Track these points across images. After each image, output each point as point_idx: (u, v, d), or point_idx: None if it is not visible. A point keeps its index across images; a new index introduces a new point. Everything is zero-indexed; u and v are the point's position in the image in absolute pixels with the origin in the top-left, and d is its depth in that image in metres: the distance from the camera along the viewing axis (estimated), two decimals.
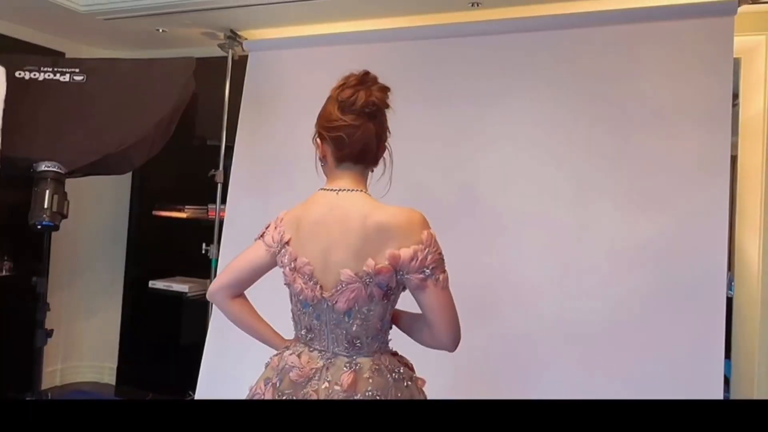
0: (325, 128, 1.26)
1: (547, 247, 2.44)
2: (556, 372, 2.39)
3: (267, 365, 1.32)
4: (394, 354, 1.30)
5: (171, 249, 3.60)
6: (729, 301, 2.66)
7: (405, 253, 1.16)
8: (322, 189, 1.30)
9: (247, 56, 3.12)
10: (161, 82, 2.31)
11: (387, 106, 1.27)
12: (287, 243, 1.29)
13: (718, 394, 2.18)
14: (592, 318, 2.35)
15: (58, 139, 2.15)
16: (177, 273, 3.55)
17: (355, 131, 1.23)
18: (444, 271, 1.21)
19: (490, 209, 2.55)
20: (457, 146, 2.64)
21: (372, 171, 1.34)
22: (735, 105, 2.41)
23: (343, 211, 1.23)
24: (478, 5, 2.52)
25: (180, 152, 3.44)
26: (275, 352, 1.35)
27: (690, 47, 2.28)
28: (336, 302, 1.20)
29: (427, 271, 1.17)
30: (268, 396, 1.25)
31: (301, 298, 1.26)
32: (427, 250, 1.18)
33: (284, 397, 1.23)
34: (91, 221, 3.78)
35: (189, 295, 3.38)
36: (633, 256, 2.32)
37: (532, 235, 2.47)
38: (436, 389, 2.48)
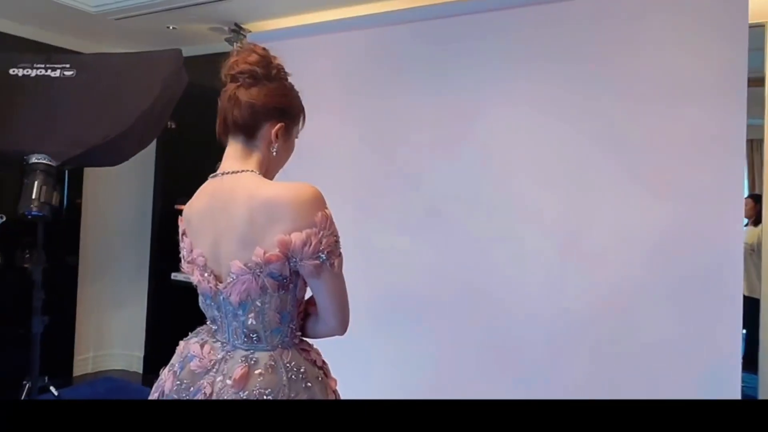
0: None
1: (549, 236, 2.29)
2: (559, 370, 2.24)
3: (176, 349, 1.29)
4: (305, 349, 1.21)
5: None
6: (755, 302, 2.41)
7: (296, 238, 1.07)
8: (210, 177, 1.22)
9: None
10: (146, 74, 2.34)
11: (258, 70, 1.17)
12: (184, 234, 1.25)
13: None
14: (596, 313, 2.18)
15: (47, 132, 2.23)
16: None
17: (222, 96, 1.19)
18: (339, 255, 1.12)
19: (487, 199, 2.43)
20: (453, 131, 2.52)
21: (272, 152, 1.21)
22: (757, 78, 2.14)
23: (225, 196, 1.15)
24: None
25: (200, 146, 3.52)
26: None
27: (700, 14, 2.04)
28: (230, 295, 1.14)
29: (322, 256, 1.08)
30: (169, 383, 1.21)
31: (200, 289, 1.22)
32: (321, 234, 1.08)
33: (182, 386, 1.19)
34: (118, 217, 3.95)
35: None
36: (640, 245, 2.13)
37: (532, 223, 2.32)
38: (432, 386, 2.42)
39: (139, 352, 3.91)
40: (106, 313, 3.96)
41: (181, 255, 1.27)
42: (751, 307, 2.48)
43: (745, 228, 2.63)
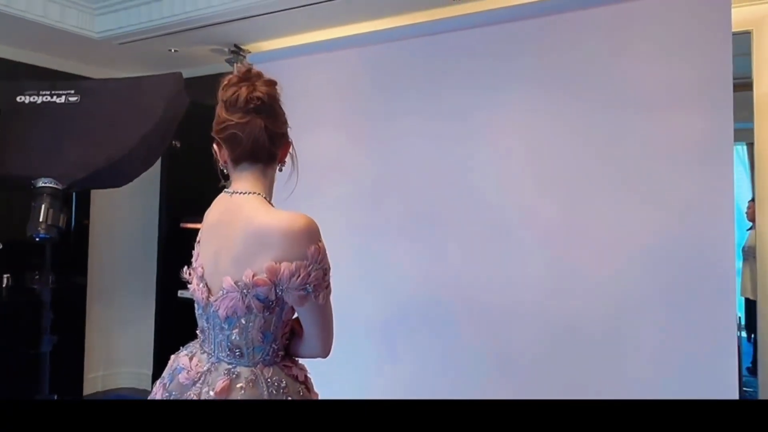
0: (217, 132, 1.23)
1: (543, 242, 2.31)
2: (554, 377, 2.25)
3: (168, 363, 1.33)
4: (288, 365, 1.24)
5: None
6: (753, 304, 2.41)
7: (286, 267, 1.10)
8: (224, 191, 1.28)
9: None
10: (148, 97, 2.41)
11: (275, 99, 1.22)
12: (198, 242, 1.31)
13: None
14: (589, 321, 2.19)
15: (53, 156, 2.30)
16: None
17: (243, 128, 1.19)
18: (326, 287, 1.16)
19: (480, 207, 2.46)
20: (448, 142, 2.56)
21: (279, 170, 1.30)
22: (747, 84, 2.17)
23: (231, 215, 1.20)
24: None
25: (205, 165, 3.58)
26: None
27: (684, 23, 2.08)
28: (218, 308, 1.18)
29: (309, 288, 1.12)
30: (158, 395, 1.26)
31: (195, 297, 1.26)
32: (311, 267, 1.11)
33: (171, 397, 1.22)
34: (125, 236, 4.01)
35: None
36: (634, 250, 2.14)
37: (524, 232, 2.35)
38: (432, 392, 2.44)
39: (148, 370, 3.94)
40: (115, 332, 4.00)
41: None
42: (756, 310, 2.47)
43: (748, 231, 2.63)
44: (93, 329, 3.85)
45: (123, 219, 4.00)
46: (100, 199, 3.80)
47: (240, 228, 1.16)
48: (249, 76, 1.21)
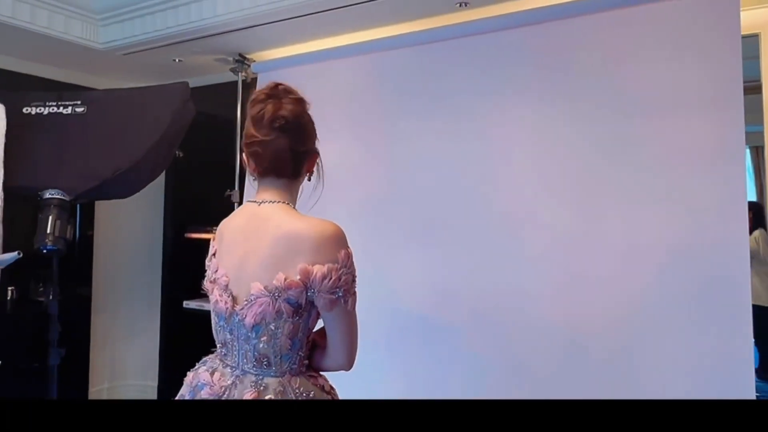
0: (245, 145, 1.25)
1: (553, 248, 2.30)
2: (566, 384, 2.22)
3: (184, 381, 1.31)
4: (312, 376, 1.24)
5: (203, 270, 3.71)
6: (757, 309, 2.39)
7: (318, 270, 1.12)
8: (248, 201, 1.29)
9: (256, 78, 3.22)
10: (154, 107, 2.41)
11: (301, 117, 1.22)
12: (214, 255, 1.30)
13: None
14: (602, 327, 2.17)
15: (60, 168, 2.29)
16: None
17: (267, 146, 1.20)
18: (354, 294, 1.17)
19: (491, 211, 2.45)
20: (456, 149, 2.56)
21: (308, 179, 1.31)
22: (756, 87, 2.16)
23: (259, 221, 1.21)
24: (466, 5, 2.45)
25: (209, 174, 3.58)
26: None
27: (692, 27, 2.08)
28: (245, 317, 1.17)
29: (339, 292, 1.13)
30: None
31: (216, 309, 1.25)
32: (341, 270, 1.14)
33: None
34: (129, 247, 4.00)
35: None
36: (647, 256, 2.13)
37: (536, 236, 2.34)
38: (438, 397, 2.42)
39: (153, 382, 3.91)
40: (120, 344, 3.98)
41: (206, 274, 1.32)
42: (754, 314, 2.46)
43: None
44: (97, 341, 3.82)
45: (127, 230, 3.98)
46: (104, 209, 3.78)
47: (270, 234, 1.17)
48: (276, 93, 1.22)
